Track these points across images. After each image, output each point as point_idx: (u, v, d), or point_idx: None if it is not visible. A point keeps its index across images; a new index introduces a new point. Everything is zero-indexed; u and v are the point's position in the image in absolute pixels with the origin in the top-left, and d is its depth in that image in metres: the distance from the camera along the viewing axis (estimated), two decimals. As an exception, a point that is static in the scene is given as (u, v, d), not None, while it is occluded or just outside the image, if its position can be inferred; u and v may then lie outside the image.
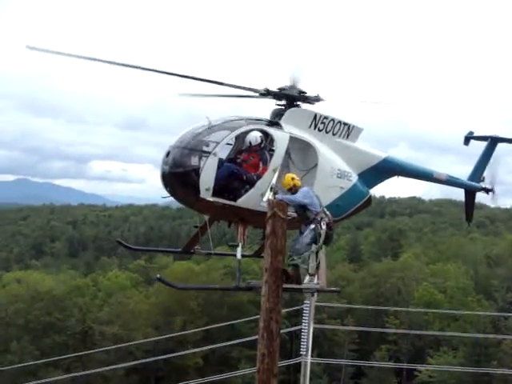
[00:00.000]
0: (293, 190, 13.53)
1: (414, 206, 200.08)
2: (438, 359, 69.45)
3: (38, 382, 40.16)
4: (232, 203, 14.00)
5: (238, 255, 14.29)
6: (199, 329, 57.78)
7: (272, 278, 12.41)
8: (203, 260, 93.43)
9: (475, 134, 23.17)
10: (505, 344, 68.33)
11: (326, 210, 13.47)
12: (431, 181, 19.12)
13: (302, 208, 13.34)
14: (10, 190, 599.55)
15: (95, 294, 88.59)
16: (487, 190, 21.52)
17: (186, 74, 13.92)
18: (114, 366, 45.89)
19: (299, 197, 13.22)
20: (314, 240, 13.09)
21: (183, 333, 57.17)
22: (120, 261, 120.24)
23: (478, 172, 21.67)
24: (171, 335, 52.39)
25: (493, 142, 22.41)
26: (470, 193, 21.46)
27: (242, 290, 14.72)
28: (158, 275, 15.06)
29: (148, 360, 45.04)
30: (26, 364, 50.64)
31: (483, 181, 21.63)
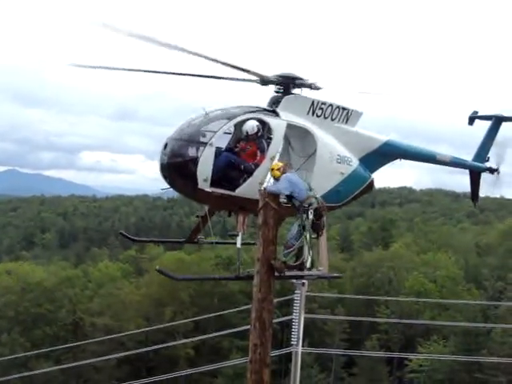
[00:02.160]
0: (276, 179, 13.36)
1: (404, 195, 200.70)
2: (429, 348, 69.77)
3: (29, 373, 40.18)
4: (231, 193, 13.95)
5: (238, 244, 14.23)
6: (190, 319, 57.72)
7: (264, 268, 12.37)
8: (194, 250, 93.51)
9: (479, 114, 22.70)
10: (495, 333, 68.74)
11: (316, 193, 13.21)
12: (434, 163, 18.88)
13: (288, 196, 13.17)
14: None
15: (86, 285, 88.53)
16: (492, 170, 21.15)
17: (181, 72, 13.87)
18: (105, 357, 45.64)
19: (281, 187, 12.91)
20: (301, 231, 12.92)
21: (174, 323, 57.24)
22: (110, 251, 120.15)
23: (482, 152, 21.32)
24: (162, 326, 52.30)
25: (497, 121, 22.00)
26: (475, 173, 21.14)
27: (243, 279, 14.67)
28: (158, 267, 15.05)
29: (139, 351, 44.89)
30: (16, 356, 50.66)
31: (488, 161, 21.29)
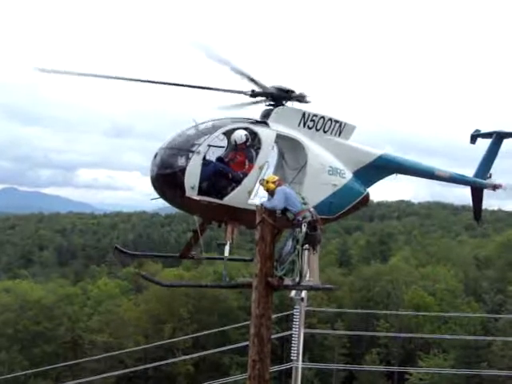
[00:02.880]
0: (269, 192, 13.31)
1: (402, 209, 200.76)
2: (429, 362, 69.50)
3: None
4: (218, 201, 14.03)
5: (226, 253, 14.32)
6: (190, 336, 57.55)
7: (262, 284, 12.38)
8: (193, 267, 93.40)
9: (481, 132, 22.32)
10: (495, 345, 68.54)
11: (310, 206, 13.15)
12: (433, 178, 18.62)
13: (282, 210, 13.05)
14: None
15: (84, 303, 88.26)
16: (494, 187, 20.77)
17: (173, 82, 14.10)
18: (105, 375, 45.55)
19: (276, 202, 12.88)
20: (295, 245, 12.81)
21: (174, 340, 57.06)
22: (109, 269, 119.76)
23: (483, 169, 20.93)
24: (161, 342, 52.18)
25: (498, 137, 21.60)
26: (477, 190, 20.77)
27: (229, 287, 14.72)
28: (143, 272, 15.10)
29: (138, 368, 44.89)
30: (15, 374, 50.35)
31: (490, 178, 20.89)
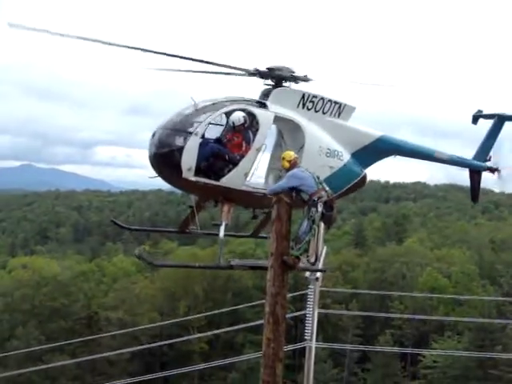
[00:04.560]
0: (285, 169, 13.22)
1: (418, 190, 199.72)
2: (443, 344, 69.59)
3: (44, 366, 40.47)
4: (215, 183, 14.07)
5: (221, 234, 14.26)
6: (204, 314, 57.89)
7: (277, 263, 12.37)
8: (208, 245, 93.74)
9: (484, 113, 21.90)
10: (509, 329, 68.43)
11: (325, 186, 12.96)
12: (432, 160, 18.46)
13: (295, 191, 12.85)
14: (14, 175, 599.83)
15: (100, 280, 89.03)
16: (493, 170, 20.50)
17: (173, 53, 13.97)
18: (120, 351, 45.95)
19: (283, 184, 12.78)
20: (311, 225, 12.68)
21: (188, 318, 57.39)
22: (125, 246, 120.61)
23: (483, 151, 20.73)
24: (176, 320, 52.53)
25: (499, 120, 21.29)
26: (475, 172, 20.58)
27: (223, 268, 14.71)
28: (137, 251, 15.04)
29: (153, 345, 45.15)
30: (31, 349, 50.83)
31: (489, 160, 20.64)
